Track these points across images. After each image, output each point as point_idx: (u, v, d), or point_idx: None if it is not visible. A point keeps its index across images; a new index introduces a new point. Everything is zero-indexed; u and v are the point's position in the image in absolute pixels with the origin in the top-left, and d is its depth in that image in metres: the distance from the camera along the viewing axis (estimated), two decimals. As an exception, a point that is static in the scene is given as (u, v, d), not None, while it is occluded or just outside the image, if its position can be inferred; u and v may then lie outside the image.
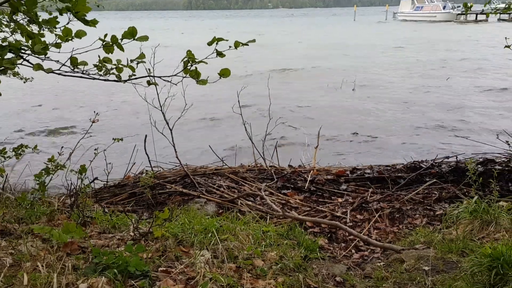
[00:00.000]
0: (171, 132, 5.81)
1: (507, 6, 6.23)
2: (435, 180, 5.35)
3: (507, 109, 11.97)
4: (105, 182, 5.47)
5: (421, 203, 4.87)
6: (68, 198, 4.64)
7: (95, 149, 4.47)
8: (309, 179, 5.57)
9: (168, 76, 2.75)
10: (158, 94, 5.41)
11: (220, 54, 2.59)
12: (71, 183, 4.31)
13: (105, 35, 2.76)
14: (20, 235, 3.02)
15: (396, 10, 79.33)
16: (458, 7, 61.11)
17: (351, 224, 4.55)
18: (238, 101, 6.66)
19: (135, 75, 2.79)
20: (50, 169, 3.79)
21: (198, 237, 3.25)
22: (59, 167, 3.84)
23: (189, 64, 2.58)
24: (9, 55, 2.68)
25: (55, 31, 2.67)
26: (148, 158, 5.59)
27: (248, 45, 2.58)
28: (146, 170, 5.78)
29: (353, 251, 3.99)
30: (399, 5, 78.61)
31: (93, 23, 2.77)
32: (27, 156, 5.08)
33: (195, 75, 2.59)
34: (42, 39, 2.78)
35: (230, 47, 2.58)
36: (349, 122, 11.04)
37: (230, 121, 10.56)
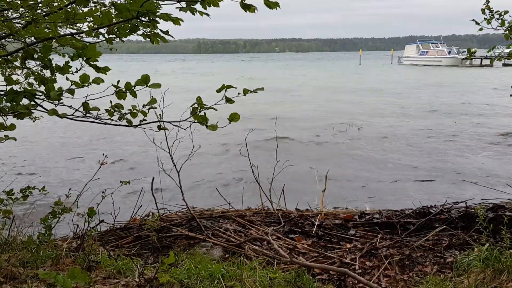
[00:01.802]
0: (178, 175, 5.83)
1: (511, 52, 6.40)
2: (444, 226, 5.26)
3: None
4: (112, 225, 5.45)
5: (431, 250, 4.77)
6: (74, 241, 4.62)
7: (103, 192, 4.49)
8: (316, 223, 5.51)
9: (178, 122, 2.81)
10: (166, 137, 5.48)
11: (229, 100, 2.66)
12: (77, 226, 4.30)
13: (118, 82, 2.83)
14: (25, 280, 3.00)
15: (401, 54, 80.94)
16: (463, 52, 62.40)
17: (360, 271, 4.44)
18: (246, 144, 6.72)
19: (146, 120, 2.84)
20: (57, 212, 3.79)
21: (204, 283, 3.19)
22: (65, 211, 3.85)
23: (198, 110, 2.64)
24: (24, 101, 2.75)
25: (70, 79, 2.73)
26: (155, 200, 5.58)
27: (256, 92, 2.65)
28: (153, 213, 5.76)
29: (362, 299, 3.88)
30: (404, 49, 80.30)
31: (105, 70, 2.85)
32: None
33: (204, 120, 2.64)
34: (55, 83, 2.84)
35: (239, 93, 2.65)
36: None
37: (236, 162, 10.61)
